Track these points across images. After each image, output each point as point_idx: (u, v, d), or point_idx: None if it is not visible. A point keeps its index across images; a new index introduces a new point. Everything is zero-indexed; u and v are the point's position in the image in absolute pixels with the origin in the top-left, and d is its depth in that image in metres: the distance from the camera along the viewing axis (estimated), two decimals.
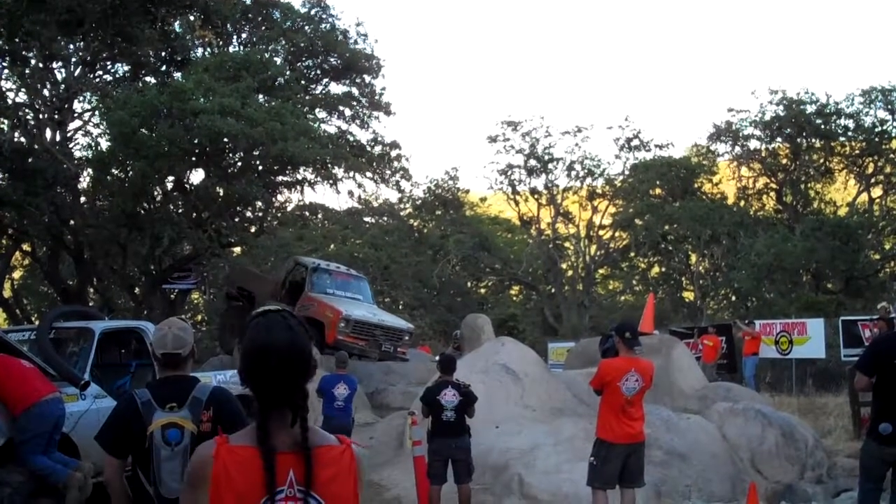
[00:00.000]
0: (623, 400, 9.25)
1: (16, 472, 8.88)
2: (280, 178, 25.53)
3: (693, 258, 43.10)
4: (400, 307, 41.69)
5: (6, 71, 24.44)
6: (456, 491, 10.89)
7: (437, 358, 12.36)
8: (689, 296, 44.12)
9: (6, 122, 23.93)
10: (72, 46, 24.55)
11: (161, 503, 4.94)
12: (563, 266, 46.38)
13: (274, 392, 2.77)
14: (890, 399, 8.17)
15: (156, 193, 24.30)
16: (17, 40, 22.50)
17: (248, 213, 26.81)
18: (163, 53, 25.65)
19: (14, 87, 25.18)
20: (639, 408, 9.47)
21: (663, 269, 45.80)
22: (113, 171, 22.72)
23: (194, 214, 24.01)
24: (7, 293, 31.17)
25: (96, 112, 26.16)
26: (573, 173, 43.77)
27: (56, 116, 24.59)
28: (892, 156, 37.98)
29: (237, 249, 29.45)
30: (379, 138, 30.81)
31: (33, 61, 23.82)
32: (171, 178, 24.04)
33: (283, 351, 2.78)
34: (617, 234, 45.05)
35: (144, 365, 12.17)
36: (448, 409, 10.82)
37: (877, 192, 39.66)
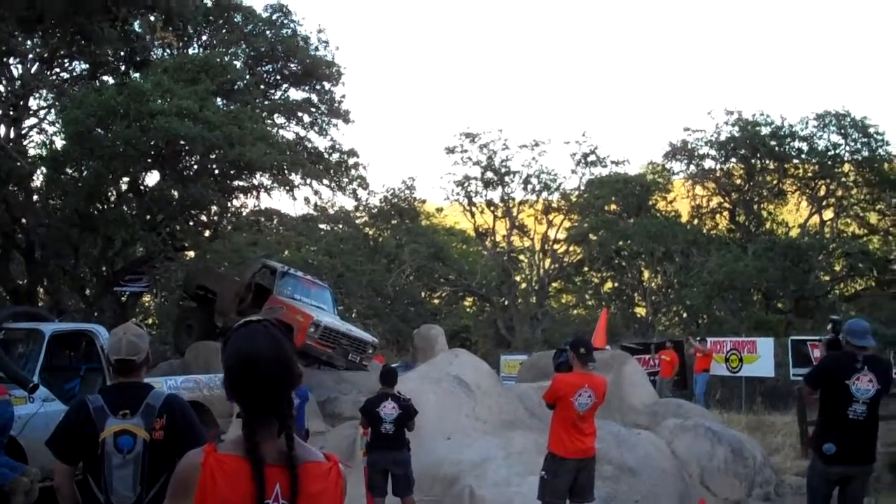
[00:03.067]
0: (575, 415, 9.30)
1: None
2: (236, 182, 25.37)
3: (646, 274, 43.41)
4: (353, 315, 41.54)
5: None
6: None
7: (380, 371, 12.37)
8: (640, 311, 44.40)
9: None
10: (29, 43, 24.26)
11: None
12: (517, 279, 46.48)
13: (260, 402, 2.76)
14: (833, 418, 8.26)
15: (110, 194, 24.02)
16: None
17: (203, 217, 26.57)
18: (122, 53, 25.40)
19: None
20: (591, 423, 9.53)
21: (616, 285, 46.06)
22: (67, 170, 22.42)
23: (148, 217, 23.74)
24: None
25: (52, 110, 25.87)
26: (529, 187, 43.87)
27: (11, 113, 24.27)
28: (843, 179, 38.50)
29: (190, 253, 29.18)
30: (337, 146, 30.68)
31: None
32: (125, 179, 23.80)
33: (268, 360, 2.77)
34: (571, 248, 45.17)
35: (94, 369, 12.06)
36: (387, 421, 10.83)
37: (828, 214, 40.19)
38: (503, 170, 43.49)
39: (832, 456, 8.16)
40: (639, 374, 18.01)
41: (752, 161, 38.98)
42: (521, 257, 47.29)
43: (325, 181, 29.02)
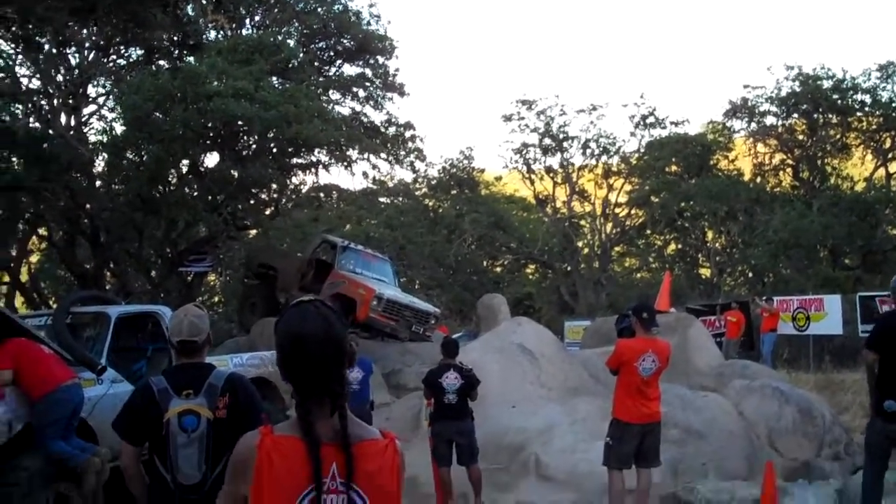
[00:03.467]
0: (639, 380, 9.27)
1: (34, 456, 8.95)
2: (294, 160, 25.51)
3: (710, 235, 42.96)
4: (416, 287, 41.71)
5: (20, 57, 24.47)
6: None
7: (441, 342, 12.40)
8: (705, 273, 43.96)
9: (21, 107, 23.96)
10: (85, 31, 24.52)
11: (178, 489, 4.98)
12: (579, 244, 46.27)
13: (311, 381, 2.78)
14: (894, 375, 8.16)
15: (171, 177, 24.29)
16: (30, 26, 22.51)
17: (263, 196, 26.76)
18: (175, 38, 25.59)
19: (28, 72, 25.22)
20: (655, 388, 9.50)
21: (679, 246, 45.66)
22: (128, 155, 22.72)
23: (209, 198, 24.00)
24: (24, 278, 31.28)
25: (110, 97, 26.17)
26: (588, 151, 43.60)
27: (70, 101, 24.59)
28: None
29: (252, 232, 29.46)
30: (393, 119, 30.72)
31: (46, 46, 23.83)
32: (185, 161, 24.04)
33: (318, 339, 2.78)
34: (633, 211, 44.85)
35: (160, 349, 12.20)
36: (450, 392, 10.87)
37: (894, 166, 39.42)
38: (561, 135, 43.26)
39: (894, 413, 8.05)
40: (704, 337, 17.83)
41: (815, 116, 38.28)
42: (583, 222, 47.05)
43: (383, 155, 29.11)
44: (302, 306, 2.89)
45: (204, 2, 26.18)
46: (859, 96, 37.47)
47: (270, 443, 2.70)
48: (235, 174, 23.61)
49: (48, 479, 8.97)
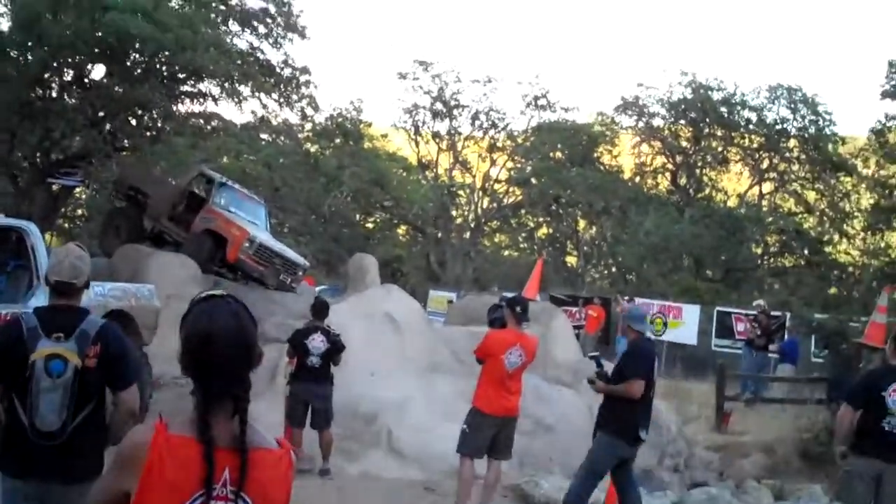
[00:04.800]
0: (504, 373, 9.37)
1: None
2: (184, 87, 24.85)
3: (581, 224, 43.67)
4: (286, 231, 41.21)
5: None
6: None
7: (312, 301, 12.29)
8: (572, 261, 44.71)
9: None
10: None
11: (34, 434, 4.80)
12: (454, 213, 46.48)
13: (216, 382, 2.67)
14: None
15: (53, 84, 23.41)
16: None
17: (146, 119, 25.99)
18: None
19: None
20: (517, 382, 9.62)
21: (551, 231, 46.30)
22: (11, 54, 21.80)
23: (90, 111, 23.21)
24: None
25: None
26: (477, 123, 43.83)
27: None
28: (787, 154, 38.98)
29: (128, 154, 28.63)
30: (290, 61, 30.15)
31: None
32: (71, 71, 23.20)
33: (228, 339, 2.68)
34: (511, 189, 45.24)
35: (22, 266, 11.77)
36: (314, 354, 10.86)
37: (768, 187, 40.72)
38: (453, 102, 43.34)
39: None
40: (567, 330, 18.06)
41: (701, 125, 39.27)
42: (461, 193, 47.22)
43: (274, 96, 28.59)
44: (213, 301, 2.78)
45: None
46: (746, 113, 38.63)
47: (163, 441, 2.60)
48: (121, 91, 22.88)
49: None
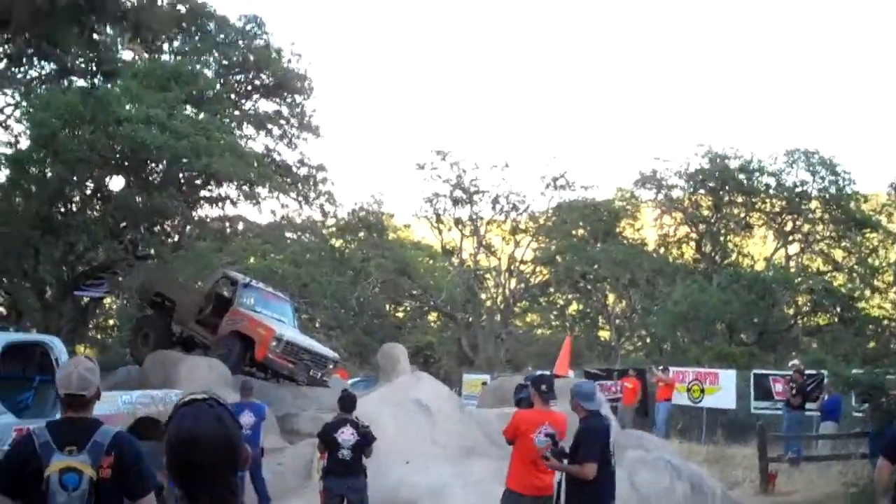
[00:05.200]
0: (535, 452, 9.21)
1: None
2: (202, 192, 25.15)
3: (611, 298, 43.48)
4: (317, 326, 41.30)
5: None
6: None
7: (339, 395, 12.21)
8: (604, 335, 44.43)
9: None
10: None
11: None
12: (483, 297, 46.45)
13: (202, 486, 2.61)
14: None
15: (73, 198, 23.71)
16: None
17: (167, 226, 26.27)
18: (90, 56, 25.06)
19: None
20: None
21: (581, 307, 46.12)
22: (31, 171, 22.14)
23: (111, 223, 23.47)
24: None
25: (18, 109, 25.53)
26: (498, 207, 43.97)
27: None
28: (810, 215, 38.85)
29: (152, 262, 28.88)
30: (306, 160, 30.61)
31: None
32: (90, 184, 23.50)
33: (212, 442, 2.62)
34: (538, 269, 45.22)
35: (47, 381, 11.81)
36: (344, 447, 10.71)
37: (794, 249, 40.51)
38: (472, 188, 43.54)
39: None
40: (602, 404, 17.88)
41: (720, 193, 39.23)
42: (487, 276, 47.24)
43: (293, 195, 28.91)
44: (195, 405, 2.73)
45: (121, 29, 25.66)
46: (765, 178, 38.61)
47: None
48: (140, 201, 23.15)
49: None
